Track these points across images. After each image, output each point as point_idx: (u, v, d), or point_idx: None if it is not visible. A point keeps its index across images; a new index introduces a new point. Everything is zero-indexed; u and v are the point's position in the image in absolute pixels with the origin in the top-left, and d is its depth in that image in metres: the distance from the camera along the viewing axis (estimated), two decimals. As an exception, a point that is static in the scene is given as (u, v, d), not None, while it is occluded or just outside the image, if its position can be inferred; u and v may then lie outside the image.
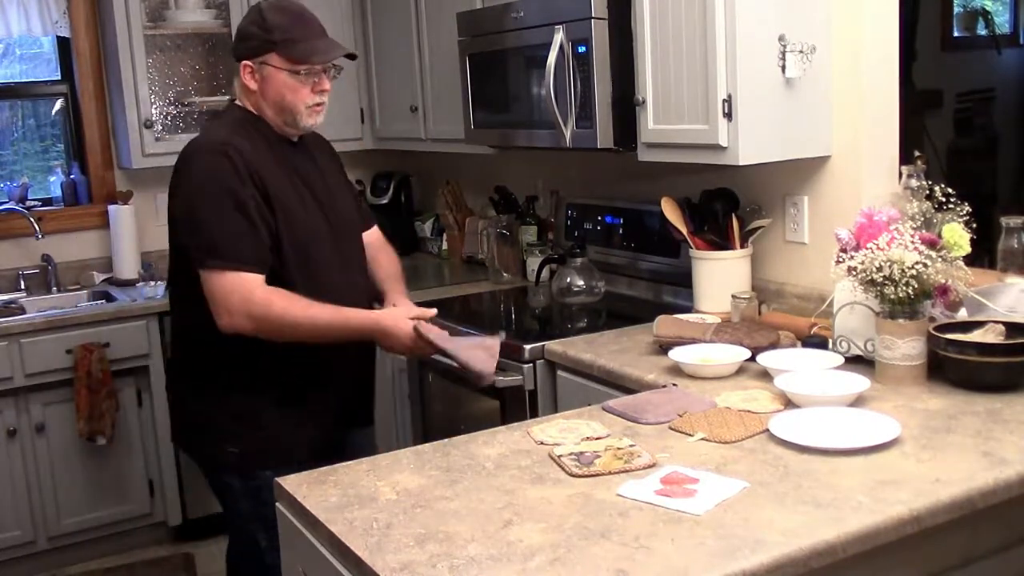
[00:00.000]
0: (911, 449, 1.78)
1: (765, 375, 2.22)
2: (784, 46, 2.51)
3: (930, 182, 2.36)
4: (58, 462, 3.67)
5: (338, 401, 2.35)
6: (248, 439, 2.24)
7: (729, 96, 2.48)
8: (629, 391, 2.32)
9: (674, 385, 2.24)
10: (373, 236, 2.60)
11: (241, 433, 2.25)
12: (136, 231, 4.18)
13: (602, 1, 2.78)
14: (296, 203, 2.19)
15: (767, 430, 1.87)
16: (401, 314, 2.25)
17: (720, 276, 2.81)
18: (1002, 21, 5.57)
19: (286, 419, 2.26)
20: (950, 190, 2.22)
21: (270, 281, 2.14)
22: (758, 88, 2.50)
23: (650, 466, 1.75)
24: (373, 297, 2.50)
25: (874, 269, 2.08)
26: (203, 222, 2.10)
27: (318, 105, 2.22)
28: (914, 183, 2.47)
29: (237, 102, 2.27)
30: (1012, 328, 2.10)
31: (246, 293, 2.08)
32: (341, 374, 2.33)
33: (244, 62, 2.20)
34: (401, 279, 2.59)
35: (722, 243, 2.83)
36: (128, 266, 4.15)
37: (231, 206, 2.09)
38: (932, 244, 2.12)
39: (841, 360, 2.22)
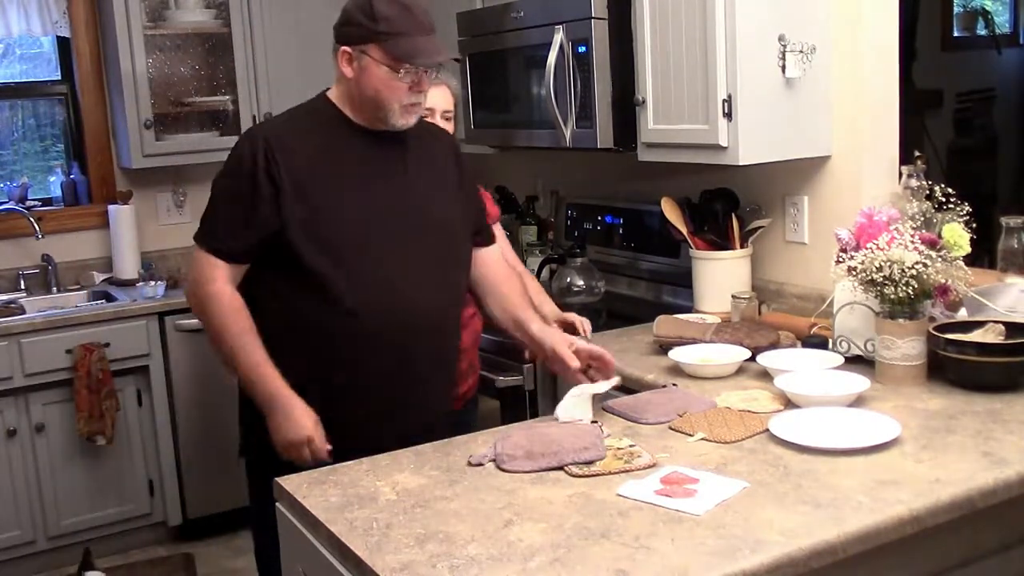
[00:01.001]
0: (911, 449, 1.78)
1: (765, 375, 2.22)
2: (784, 46, 2.52)
3: (930, 182, 2.36)
4: (58, 462, 3.67)
5: (369, 416, 2.15)
6: (264, 443, 2.13)
7: (729, 96, 2.48)
8: (629, 391, 2.32)
9: (674, 385, 2.24)
10: (492, 258, 2.36)
11: (260, 435, 2.15)
12: (136, 231, 4.18)
13: (602, 1, 2.78)
14: (335, 195, 2.08)
15: (767, 430, 1.87)
16: (306, 415, 2.04)
17: (720, 276, 2.81)
18: (1002, 21, 5.57)
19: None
20: (950, 190, 2.23)
21: (292, 270, 2.06)
22: (758, 88, 2.50)
23: (650, 466, 1.75)
24: (497, 326, 2.33)
25: (874, 269, 2.08)
26: (209, 199, 2.15)
27: (414, 105, 2.10)
28: (914, 183, 2.47)
29: (329, 90, 2.19)
30: (1012, 328, 2.10)
31: (206, 276, 2.09)
32: (376, 388, 2.14)
33: (343, 48, 2.09)
34: (529, 305, 2.31)
35: (722, 243, 2.84)
36: (128, 266, 4.15)
37: (231, 191, 2.10)
38: (932, 244, 2.12)
39: (841, 360, 2.22)
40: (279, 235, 2.06)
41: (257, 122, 3.99)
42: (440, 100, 2.55)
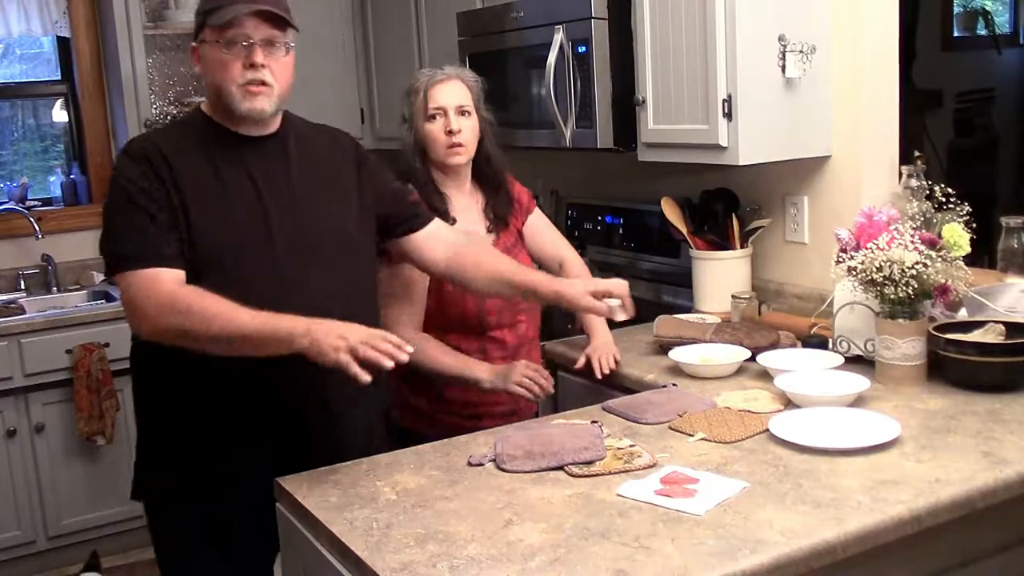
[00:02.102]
0: (911, 449, 1.78)
1: (765, 375, 2.22)
2: (784, 46, 2.52)
3: (930, 182, 2.36)
4: (58, 462, 3.67)
5: (252, 440, 1.96)
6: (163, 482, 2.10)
7: (729, 96, 2.48)
8: (629, 391, 2.32)
9: (674, 385, 2.24)
10: (439, 233, 2.19)
11: (159, 475, 2.12)
12: (136, 231, 4.17)
13: (602, 1, 2.78)
14: (212, 206, 1.91)
15: (767, 430, 1.87)
16: (341, 326, 1.76)
17: (720, 276, 2.81)
18: (1002, 21, 5.57)
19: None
20: (950, 190, 2.22)
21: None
22: (758, 88, 2.50)
23: (650, 466, 1.75)
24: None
25: (874, 269, 2.08)
26: (108, 228, 1.93)
27: (253, 84, 1.89)
28: (914, 183, 2.47)
29: (202, 103, 2.04)
30: (1012, 328, 2.10)
31: (153, 289, 1.85)
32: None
33: (192, 45, 1.98)
34: (502, 256, 2.22)
35: (722, 243, 2.84)
36: (128, 266, 4.14)
37: (130, 206, 1.88)
38: (932, 244, 2.12)
39: (841, 360, 2.22)
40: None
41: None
42: (449, 96, 2.35)
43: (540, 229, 2.58)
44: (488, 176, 2.45)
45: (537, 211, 2.59)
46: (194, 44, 1.97)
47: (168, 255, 1.88)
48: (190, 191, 1.90)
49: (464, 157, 2.38)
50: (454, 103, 2.35)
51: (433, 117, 2.34)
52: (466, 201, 2.41)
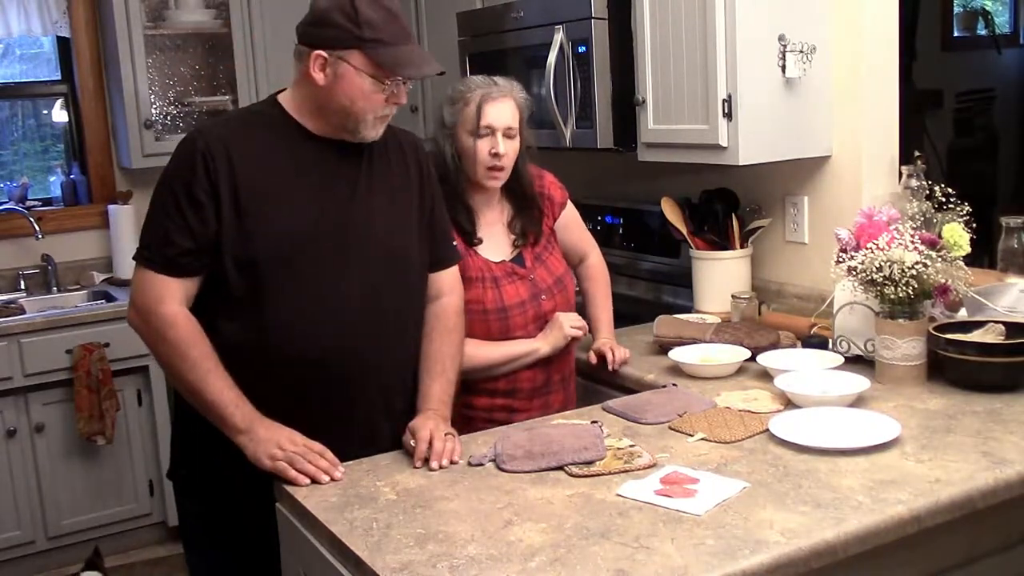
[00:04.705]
0: (911, 449, 1.78)
1: (765, 375, 2.22)
2: (784, 46, 2.52)
3: (930, 182, 2.36)
4: (58, 462, 3.67)
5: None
6: (198, 461, 2.07)
7: (729, 96, 2.48)
8: (629, 391, 2.32)
9: (674, 385, 2.24)
10: (444, 287, 2.14)
11: (195, 453, 2.08)
12: (136, 231, 4.15)
13: (602, 1, 2.78)
14: (270, 210, 1.90)
15: (767, 430, 1.88)
16: (283, 435, 1.84)
17: (720, 276, 2.82)
18: (1002, 21, 5.57)
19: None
20: (950, 190, 2.23)
21: (243, 292, 1.91)
22: (758, 88, 2.50)
23: (650, 466, 1.75)
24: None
25: (874, 269, 2.08)
26: (149, 213, 1.95)
27: (386, 116, 1.95)
28: (914, 183, 2.47)
29: (281, 93, 2.02)
30: (1012, 328, 2.10)
31: (153, 298, 1.89)
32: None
33: (318, 52, 1.88)
34: (441, 374, 2.06)
35: (722, 243, 2.84)
36: (128, 266, 4.13)
37: (171, 200, 1.89)
38: (932, 244, 2.12)
39: (841, 360, 2.22)
40: (214, 248, 1.89)
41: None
42: (500, 117, 2.25)
43: (569, 225, 2.52)
44: (517, 192, 2.38)
45: (570, 205, 2.52)
46: (324, 54, 1.88)
47: (182, 265, 1.89)
48: (246, 189, 1.89)
49: (501, 181, 2.31)
50: (504, 124, 2.25)
51: (481, 135, 2.24)
52: (494, 214, 2.36)
